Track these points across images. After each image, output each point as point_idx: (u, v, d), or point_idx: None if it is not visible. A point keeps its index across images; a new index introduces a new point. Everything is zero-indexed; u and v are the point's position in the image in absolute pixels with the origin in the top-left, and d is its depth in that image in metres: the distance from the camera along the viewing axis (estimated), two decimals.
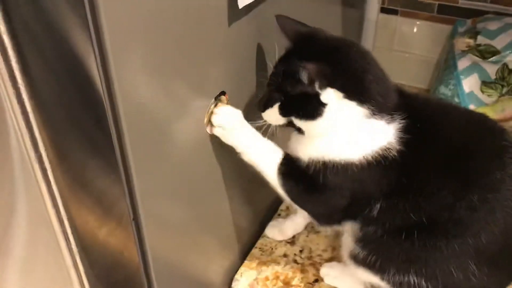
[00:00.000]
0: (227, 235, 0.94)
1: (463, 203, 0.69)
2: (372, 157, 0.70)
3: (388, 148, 0.70)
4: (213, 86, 0.72)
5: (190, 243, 0.80)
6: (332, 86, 0.67)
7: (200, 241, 0.84)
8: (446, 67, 1.16)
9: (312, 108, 0.69)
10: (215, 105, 0.72)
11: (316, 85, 0.67)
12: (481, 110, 1.07)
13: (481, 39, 1.15)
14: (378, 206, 0.73)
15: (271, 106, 0.73)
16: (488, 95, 1.08)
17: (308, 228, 1.03)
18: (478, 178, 0.70)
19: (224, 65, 0.72)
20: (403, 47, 1.44)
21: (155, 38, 0.55)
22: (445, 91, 1.11)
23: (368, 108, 0.69)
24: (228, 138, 0.74)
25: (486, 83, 1.08)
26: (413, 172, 0.71)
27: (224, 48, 0.70)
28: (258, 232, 1.03)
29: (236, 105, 0.76)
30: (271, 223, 1.03)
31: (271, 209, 1.07)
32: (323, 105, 0.68)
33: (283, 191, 0.77)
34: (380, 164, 0.70)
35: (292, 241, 1.01)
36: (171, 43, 0.58)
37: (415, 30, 1.40)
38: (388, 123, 0.71)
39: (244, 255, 0.99)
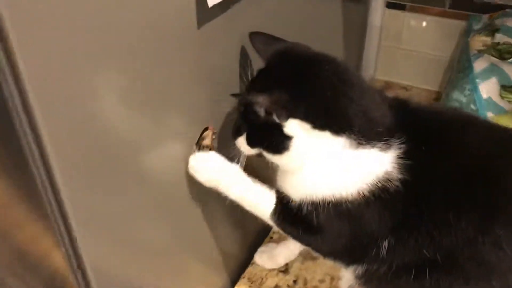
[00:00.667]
0: (210, 263, 0.84)
1: (487, 238, 0.58)
2: (368, 191, 0.59)
3: (387, 179, 0.59)
4: (184, 98, 0.60)
5: (166, 273, 0.69)
6: (295, 117, 0.58)
7: (178, 271, 0.74)
8: (460, 69, 1.03)
9: (276, 141, 0.60)
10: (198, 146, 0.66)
11: (275, 117, 0.58)
12: (500, 118, 0.94)
13: (499, 37, 1.02)
14: (386, 244, 0.62)
15: (241, 134, 0.65)
16: (509, 101, 0.95)
17: (304, 254, 0.91)
18: (504, 207, 0.59)
19: (195, 73, 0.61)
20: (411, 45, 1.32)
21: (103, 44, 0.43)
22: (459, 97, 0.98)
23: (349, 137, 0.58)
24: (209, 185, 0.66)
25: (505, 87, 0.95)
26: (423, 202, 0.60)
27: (194, 54, 0.59)
28: (247, 259, 0.91)
29: (215, 122, 0.65)
30: (261, 249, 0.92)
31: (262, 232, 0.96)
32: (288, 138, 0.59)
33: (283, 233, 0.70)
34: (379, 197, 0.59)
35: (285, 269, 0.89)
36: (123, 47, 0.47)
37: (424, 26, 1.27)
38: (383, 150, 0.59)
39: (231, 285, 0.87)
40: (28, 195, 0.43)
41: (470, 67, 0.99)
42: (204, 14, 0.55)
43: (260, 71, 0.64)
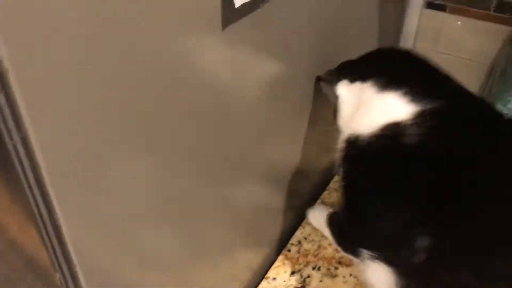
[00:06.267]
0: (222, 273, 0.78)
1: None
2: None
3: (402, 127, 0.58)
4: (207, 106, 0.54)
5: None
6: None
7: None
8: (504, 80, 0.95)
9: None
10: None
11: None
12: None
13: None
14: (423, 243, 0.54)
15: None
16: None
17: (323, 270, 0.85)
18: None
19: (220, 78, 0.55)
20: (449, 49, 1.23)
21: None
22: (502, 110, 0.90)
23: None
24: None
25: None
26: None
27: (218, 57, 0.53)
28: (262, 273, 0.86)
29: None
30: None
31: (279, 243, 0.90)
32: None
33: None
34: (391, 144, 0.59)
35: (301, 286, 0.83)
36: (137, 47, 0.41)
37: (465, 30, 1.18)
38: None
39: None
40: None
41: None
42: (230, 15, 0.49)
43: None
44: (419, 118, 0.57)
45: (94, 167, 0.41)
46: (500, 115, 0.61)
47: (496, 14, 1.12)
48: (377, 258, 0.62)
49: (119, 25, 0.38)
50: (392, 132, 0.58)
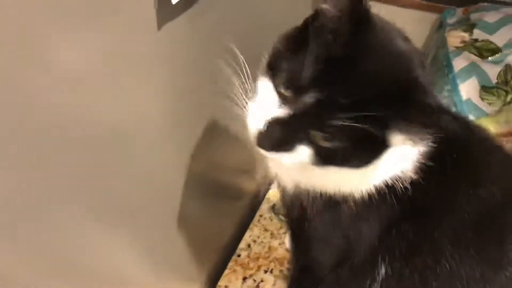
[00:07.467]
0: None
1: None
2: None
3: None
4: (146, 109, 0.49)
5: None
6: None
7: None
8: (437, 68, 0.96)
9: (369, 154, 0.48)
10: None
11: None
12: (481, 121, 0.88)
13: (478, 33, 0.96)
14: (382, 271, 0.55)
15: (291, 148, 0.48)
16: (489, 103, 0.89)
17: (276, 272, 0.83)
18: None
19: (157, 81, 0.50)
20: None
21: None
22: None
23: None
24: None
25: (486, 89, 0.90)
26: (425, 223, 0.54)
27: (155, 59, 0.48)
28: (214, 279, 0.82)
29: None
30: None
31: (228, 248, 0.87)
32: (386, 148, 0.48)
33: None
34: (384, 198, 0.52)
35: None
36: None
37: (397, 19, 1.19)
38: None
39: None
40: None
41: (449, 66, 0.92)
42: (166, 13, 0.44)
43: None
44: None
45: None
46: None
47: (424, 2, 1.14)
48: None
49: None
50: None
